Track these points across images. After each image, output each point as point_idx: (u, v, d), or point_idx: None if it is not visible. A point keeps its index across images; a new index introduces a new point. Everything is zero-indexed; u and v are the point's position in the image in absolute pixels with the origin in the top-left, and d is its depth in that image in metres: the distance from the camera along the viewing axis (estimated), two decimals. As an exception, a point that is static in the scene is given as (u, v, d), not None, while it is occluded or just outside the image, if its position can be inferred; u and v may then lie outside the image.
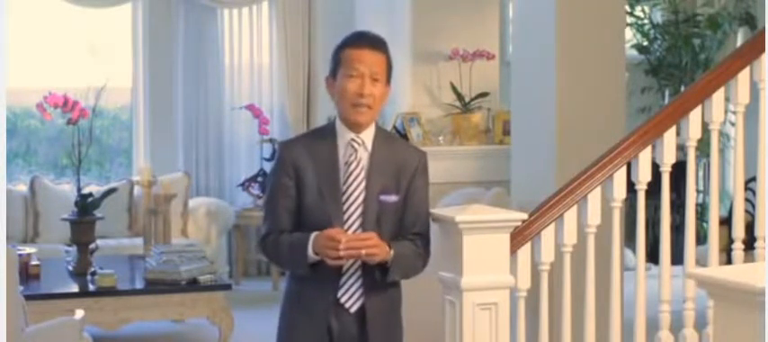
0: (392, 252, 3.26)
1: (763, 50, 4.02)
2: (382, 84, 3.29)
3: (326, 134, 3.34)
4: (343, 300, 3.30)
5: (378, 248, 3.21)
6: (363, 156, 3.30)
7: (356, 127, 3.30)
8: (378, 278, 3.28)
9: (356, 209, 3.28)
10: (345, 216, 3.27)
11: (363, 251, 3.19)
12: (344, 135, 3.31)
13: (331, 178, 3.28)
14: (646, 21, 9.27)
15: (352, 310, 3.30)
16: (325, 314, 3.30)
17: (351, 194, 3.28)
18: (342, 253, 3.17)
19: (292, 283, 3.41)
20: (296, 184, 3.29)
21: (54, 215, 7.56)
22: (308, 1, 8.97)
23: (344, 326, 3.31)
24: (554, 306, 4.03)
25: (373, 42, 3.31)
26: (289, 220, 3.31)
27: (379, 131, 3.37)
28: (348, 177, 3.28)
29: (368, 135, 3.32)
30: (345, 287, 3.30)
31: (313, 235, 3.22)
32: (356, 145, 3.30)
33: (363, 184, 3.28)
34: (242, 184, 8.58)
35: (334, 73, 3.31)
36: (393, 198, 3.30)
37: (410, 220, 3.35)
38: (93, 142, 6.76)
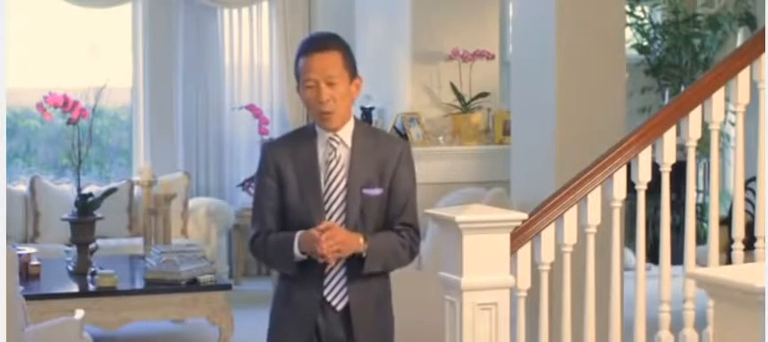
0: (366, 245, 3.26)
1: (763, 50, 4.02)
2: (342, 82, 3.28)
3: (307, 134, 3.39)
4: (329, 298, 3.32)
5: (342, 245, 3.21)
6: (343, 152, 3.33)
7: (329, 130, 3.32)
8: (359, 270, 3.29)
9: (339, 206, 3.30)
10: (328, 214, 3.29)
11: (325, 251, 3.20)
12: (323, 134, 3.34)
13: (311, 177, 3.31)
14: (646, 21, 9.26)
15: (339, 307, 3.32)
16: (313, 314, 3.32)
17: (333, 192, 3.31)
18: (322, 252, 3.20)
19: (280, 285, 3.45)
20: (278, 185, 3.34)
21: (54, 215, 7.56)
22: (307, 1, 8.97)
23: (331, 325, 3.33)
24: (554, 306, 4.03)
25: (321, 44, 3.30)
26: (274, 220, 3.36)
27: (359, 126, 3.39)
28: (329, 175, 3.31)
29: (346, 132, 3.34)
30: (331, 286, 3.32)
31: (298, 234, 3.26)
32: (335, 143, 3.33)
33: (344, 180, 3.31)
34: (242, 184, 8.58)
35: (298, 83, 3.35)
36: (376, 191, 3.32)
37: (396, 211, 3.35)
38: (93, 142, 6.75)
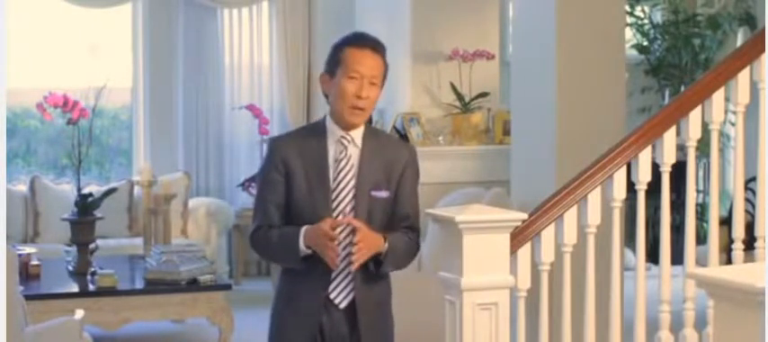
0: (386, 245, 3.27)
1: (763, 50, 4.02)
2: (378, 88, 3.33)
3: (317, 131, 3.38)
4: (332, 296, 3.32)
5: (367, 249, 3.22)
6: (353, 152, 3.33)
7: (348, 126, 3.32)
8: (371, 269, 3.29)
9: (347, 205, 3.30)
10: (335, 212, 3.29)
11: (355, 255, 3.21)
12: (335, 132, 3.34)
13: (320, 174, 3.31)
14: (646, 21, 9.27)
15: (342, 306, 3.33)
16: (317, 312, 3.32)
17: (341, 190, 3.31)
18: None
19: (284, 283, 3.43)
20: (285, 180, 3.33)
21: (54, 215, 7.56)
22: (307, 1, 8.97)
23: (334, 323, 3.34)
24: (554, 306, 4.03)
25: (375, 45, 3.34)
26: (278, 215, 3.35)
27: (368, 128, 3.40)
28: (338, 174, 3.31)
29: (357, 132, 3.35)
30: (335, 283, 3.32)
31: (303, 228, 3.26)
32: (346, 142, 3.33)
33: (353, 180, 3.31)
34: (242, 184, 8.58)
35: (331, 71, 3.33)
36: (384, 194, 3.33)
37: (401, 214, 3.36)
38: (93, 142, 6.75)
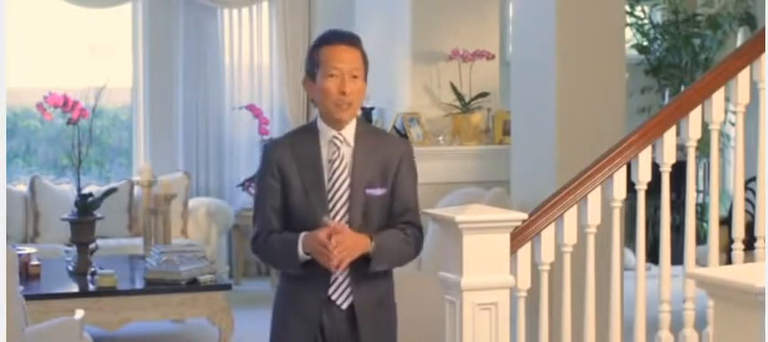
0: (373, 243, 3.26)
1: (763, 50, 4.02)
2: (361, 80, 3.32)
3: (309, 133, 3.38)
4: (333, 297, 3.33)
5: (350, 251, 3.22)
6: (346, 152, 3.33)
7: (338, 124, 3.33)
8: (364, 269, 3.30)
9: (342, 205, 3.30)
10: (332, 212, 3.29)
11: (336, 259, 3.20)
12: (326, 133, 3.34)
13: (315, 176, 3.31)
14: (646, 21, 9.27)
15: (344, 306, 3.33)
16: (317, 313, 3.33)
17: (336, 191, 3.31)
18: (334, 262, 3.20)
19: (284, 284, 3.44)
20: (281, 185, 3.33)
21: (54, 215, 7.56)
22: (307, 1, 8.98)
23: (335, 323, 3.34)
24: (554, 306, 4.03)
25: (349, 40, 3.34)
26: (277, 220, 3.36)
27: (361, 126, 3.39)
28: (332, 174, 3.31)
29: (349, 131, 3.35)
30: (335, 284, 3.33)
31: (302, 235, 3.26)
32: (338, 142, 3.33)
33: (348, 180, 3.31)
34: (242, 184, 8.58)
35: (311, 74, 3.34)
36: (379, 191, 3.33)
37: (398, 211, 3.36)
38: (93, 142, 6.75)
